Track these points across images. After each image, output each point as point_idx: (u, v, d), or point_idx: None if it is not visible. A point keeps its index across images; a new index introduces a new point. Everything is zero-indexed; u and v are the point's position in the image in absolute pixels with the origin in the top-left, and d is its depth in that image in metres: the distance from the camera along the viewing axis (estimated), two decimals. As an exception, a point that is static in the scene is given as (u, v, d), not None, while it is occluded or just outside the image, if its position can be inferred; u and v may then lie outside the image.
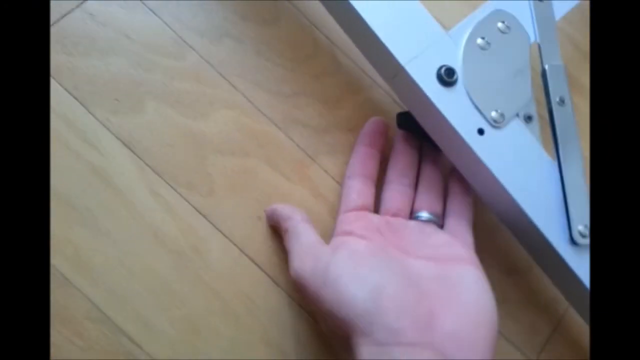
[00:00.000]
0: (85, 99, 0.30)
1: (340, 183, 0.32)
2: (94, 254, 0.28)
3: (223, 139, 0.31)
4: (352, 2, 0.28)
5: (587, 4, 0.34)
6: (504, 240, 0.34)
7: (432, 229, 0.29)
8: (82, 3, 0.31)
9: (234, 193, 0.30)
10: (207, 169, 0.30)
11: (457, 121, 0.28)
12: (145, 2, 0.32)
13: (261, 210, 0.30)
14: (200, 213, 0.30)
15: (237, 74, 0.33)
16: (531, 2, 0.32)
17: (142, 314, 0.27)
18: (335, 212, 0.31)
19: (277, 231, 0.30)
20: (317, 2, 0.32)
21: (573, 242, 0.28)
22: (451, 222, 0.30)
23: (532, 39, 0.31)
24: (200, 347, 0.28)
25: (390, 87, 0.30)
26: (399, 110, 0.34)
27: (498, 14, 0.31)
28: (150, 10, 0.32)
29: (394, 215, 0.29)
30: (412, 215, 0.30)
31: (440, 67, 0.28)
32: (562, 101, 0.30)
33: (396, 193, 0.30)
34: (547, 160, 0.29)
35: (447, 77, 0.28)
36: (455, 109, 0.28)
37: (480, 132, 0.28)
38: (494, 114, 0.29)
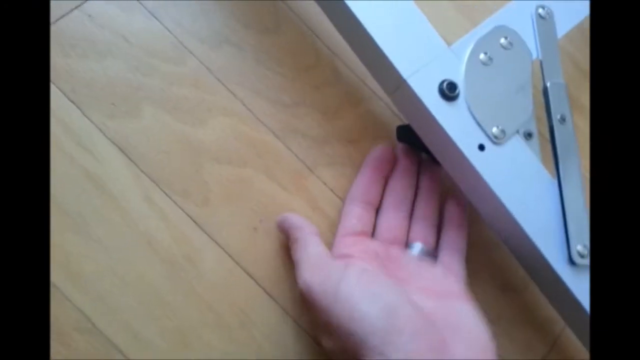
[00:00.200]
0: (81, 102, 0.29)
1: (338, 196, 0.32)
2: (85, 261, 0.27)
3: (220, 147, 0.31)
4: (355, 13, 0.28)
5: (588, 22, 0.34)
6: (500, 257, 0.33)
7: (427, 262, 0.29)
8: (81, 4, 0.31)
9: (230, 202, 0.30)
10: (204, 177, 0.30)
11: (458, 136, 0.28)
12: (145, 5, 0.32)
13: (257, 220, 0.30)
14: (195, 222, 0.29)
15: (236, 82, 0.32)
16: (534, 18, 0.32)
17: (133, 325, 0.27)
18: (333, 225, 0.31)
19: (273, 243, 0.30)
20: (320, 11, 0.31)
21: (572, 261, 0.28)
22: (445, 255, 0.30)
23: (534, 56, 0.31)
24: (191, 360, 0.27)
25: (391, 100, 0.30)
26: (399, 122, 0.33)
27: (501, 30, 0.31)
28: (151, 13, 0.32)
29: (391, 243, 0.30)
30: (406, 244, 0.30)
31: (442, 82, 0.28)
32: (563, 119, 0.30)
33: (393, 221, 0.30)
34: (547, 178, 0.29)
35: (449, 91, 0.28)
36: (456, 123, 0.28)
37: (481, 147, 0.28)
38: (495, 129, 0.28)
